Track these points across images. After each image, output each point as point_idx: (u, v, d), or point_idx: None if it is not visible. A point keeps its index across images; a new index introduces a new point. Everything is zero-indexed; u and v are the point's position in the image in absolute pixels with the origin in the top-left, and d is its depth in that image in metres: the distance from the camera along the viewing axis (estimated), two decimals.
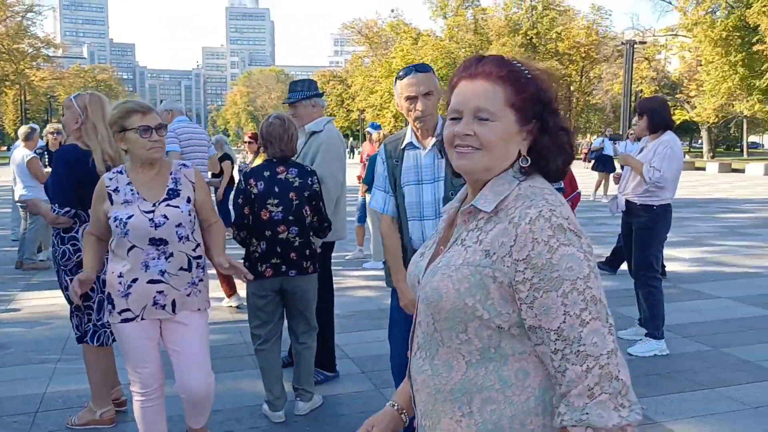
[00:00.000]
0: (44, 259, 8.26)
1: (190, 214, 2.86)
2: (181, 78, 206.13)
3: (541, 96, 1.34)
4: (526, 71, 1.35)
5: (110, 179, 2.87)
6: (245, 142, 9.31)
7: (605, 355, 1.18)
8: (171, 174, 2.90)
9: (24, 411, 3.86)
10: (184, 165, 2.98)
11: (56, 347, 5.03)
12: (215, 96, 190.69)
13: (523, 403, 1.26)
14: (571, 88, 48.94)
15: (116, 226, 2.78)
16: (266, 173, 3.57)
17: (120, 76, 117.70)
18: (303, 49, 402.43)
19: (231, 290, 6.22)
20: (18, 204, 8.05)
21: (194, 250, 2.90)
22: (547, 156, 1.34)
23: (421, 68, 2.86)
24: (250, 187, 3.54)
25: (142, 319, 2.85)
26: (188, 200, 2.88)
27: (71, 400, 3.99)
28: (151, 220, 2.77)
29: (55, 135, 8.88)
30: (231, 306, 6.19)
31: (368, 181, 7.69)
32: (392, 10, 55.69)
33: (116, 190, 2.84)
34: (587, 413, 1.17)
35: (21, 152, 7.92)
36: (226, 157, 10.76)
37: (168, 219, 2.79)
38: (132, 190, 2.84)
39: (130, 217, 2.76)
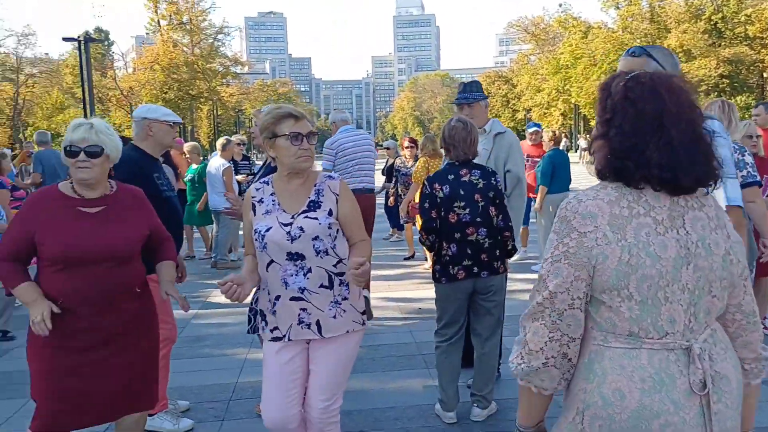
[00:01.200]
0: (235, 260, 9.03)
1: (330, 228, 2.66)
2: (353, 87, 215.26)
3: (608, 104, 1.55)
4: (614, 82, 1.57)
5: (257, 189, 2.78)
6: (405, 147, 9.52)
7: (524, 315, 1.55)
8: (315, 185, 2.74)
9: (219, 399, 4.25)
10: (330, 176, 2.79)
11: (246, 341, 5.47)
12: (383, 103, 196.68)
13: None
14: (765, 75, 44.14)
15: (256, 239, 2.68)
16: (450, 176, 3.62)
17: (298, 89, 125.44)
18: (468, 51, 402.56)
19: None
20: (212, 210, 8.80)
21: (335, 265, 2.67)
22: (609, 161, 1.54)
23: (637, 51, 2.55)
24: (435, 191, 3.60)
25: (289, 339, 2.69)
26: (329, 213, 2.68)
27: (259, 390, 4.30)
28: (288, 233, 2.62)
29: (240, 146, 9.72)
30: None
31: (546, 182, 7.52)
32: (560, 5, 53.76)
33: (261, 200, 2.75)
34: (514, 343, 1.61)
35: (217, 161, 8.66)
36: None
37: (304, 231, 2.61)
38: (274, 200, 2.72)
39: (268, 230, 2.64)
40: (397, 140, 9.63)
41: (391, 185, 9.87)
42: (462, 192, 3.57)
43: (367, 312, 2.90)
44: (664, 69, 2.44)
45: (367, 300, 2.87)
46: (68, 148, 2.64)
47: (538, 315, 1.51)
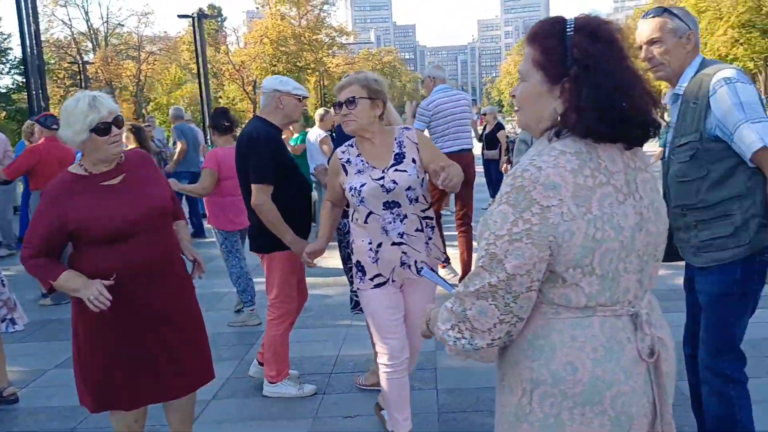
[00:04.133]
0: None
1: (418, 176, 2.89)
2: (458, 53, 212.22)
3: (574, 54, 1.34)
4: (568, 29, 1.36)
5: (342, 152, 3.02)
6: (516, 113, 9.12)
7: (467, 291, 1.38)
8: (396, 139, 2.96)
9: (321, 371, 4.26)
10: (406, 128, 3.03)
11: (347, 313, 5.45)
12: (490, 68, 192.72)
13: None
14: None
15: (352, 195, 2.91)
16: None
17: (403, 57, 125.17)
18: (581, 7, 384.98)
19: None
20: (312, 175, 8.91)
21: (423, 211, 2.95)
22: (581, 115, 1.33)
23: (657, 11, 2.48)
24: None
25: (393, 281, 2.95)
26: (413, 161, 2.91)
27: (360, 364, 4.29)
28: (382, 185, 2.85)
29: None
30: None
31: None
32: None
33: (348, 161, 2.97)
34: (440, 312, 1.46)
35: (316, 132, 8.80)
36: (500, 127, 10.71)
37: (397, 184, 2.85)
38: (362, 160, 2.95)
39: (363, 185, 2.87)
40: (503, 106, 9.24)
41: (503, 154, 9.51)
42: None
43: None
44: (687, 24, 2.41)
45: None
46: (100, 126, 2.48)
47: (488, 295, 1.35)
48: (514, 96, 1.53)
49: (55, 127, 6.25)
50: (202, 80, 24.29)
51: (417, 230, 2.92)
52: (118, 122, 2.54)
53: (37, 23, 13.34)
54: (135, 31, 49.52)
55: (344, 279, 6.50)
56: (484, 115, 11.08)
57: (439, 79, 6.02)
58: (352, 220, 3.04)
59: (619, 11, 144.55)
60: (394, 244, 2.90)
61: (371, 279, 2.96)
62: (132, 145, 6.30)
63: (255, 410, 3.76)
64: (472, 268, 1.42)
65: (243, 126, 5.33)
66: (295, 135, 9.38)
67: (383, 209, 2.88)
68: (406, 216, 2.89)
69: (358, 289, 3.06)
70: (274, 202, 3.52)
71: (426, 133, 5.74)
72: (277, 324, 3.78)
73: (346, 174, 2.96)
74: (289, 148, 9.38)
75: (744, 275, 2.38)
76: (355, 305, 3.87)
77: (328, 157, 8.51)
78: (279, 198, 3.54)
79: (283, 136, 4.15)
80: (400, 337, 3.00)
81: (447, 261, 6.21)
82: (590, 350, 1.37)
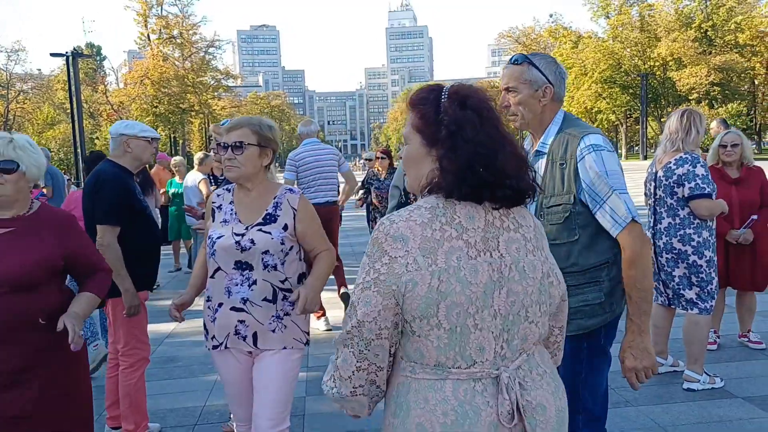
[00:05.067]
0: None
1: (282, 243, 2.63)
2: (346, 99, 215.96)
3: (443, 120, 1.43)
4: (443, 96, 1.46)
5: (218, 195, 2.81)
6: (377, 158, 9.31)
7: (338, 342, 1.45)
8: (275, 198, 2.72)
9: (184, 423, 4.08)
10: (290, 190, 2.76)
11: None
12: (377, 114, 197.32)
13: None
14: (756, 82, 44.35)
15: (208, 246, 2.69)
16: None
17: (292, 101, 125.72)
18: (461, 61, 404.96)
19: (321, 311, 6.17)
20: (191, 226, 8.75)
21: (282, 282, 2.65)
22: (444, 176, 1.41)
23: (519, 59, 2.39)
24: (408, 199, 3.72)
25: (226, 347, 2.68)
26: (285, 227, 2.66)
27: (226, 414, 4.16)
28: (238, 242, 2.60)
29: (220, 162, 9.67)
30: (318, 329, 6.04)
31: None
32: (550, 15, 54.25)
33: (220, 207, 2.76)
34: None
35: (193, 175, 8.63)
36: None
37: (255, 244, 2.59)
38: (232, 209, 2.73)
39: (219, 237, 2.64)
40: (390, 150, 9.40)
41: (360, 194, 9.63)
42: None
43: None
44: (545, 77, 2.33)
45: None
46: None
47: (348, 342, 1.43)
48: (401, 158, 1.61)
49: None
50: (76, 120, 23.19)
51: (265, 300, 2.63)
52: (6, 169, 2.41)
53: None
54: (4, 68, 46.59)
55: None
56: (369, 160, 11.28)
57: (305, 135, 6.29)
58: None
59: (496, 64, 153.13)
60: (233, 308, 2.64)
61: (211, 339, 2.72)
62: None
63: None
64: None
65: None
66: (178, 179, 9.22)
67: (233, 268, 2.63)
68: (255, 282, 2.62)
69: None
70: (120, 245, 3.45)
71: (294, 184, 5.91)
72: (130, 372, 3.61)
73: (213, 220, 2.75)
74: (161, 196, 9.20)
75: (606, 340, 2.38)
76: None
77: (205, 197, 8.39)
78: (124, 242, 3.48)
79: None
80: (246, 406, 2.75)
81: (323, 312, 6.25)
82: (440, 414, 1.38)
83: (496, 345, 1.41)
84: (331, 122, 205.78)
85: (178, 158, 9.69)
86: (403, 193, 3.88)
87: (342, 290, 6.36)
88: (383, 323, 1.39)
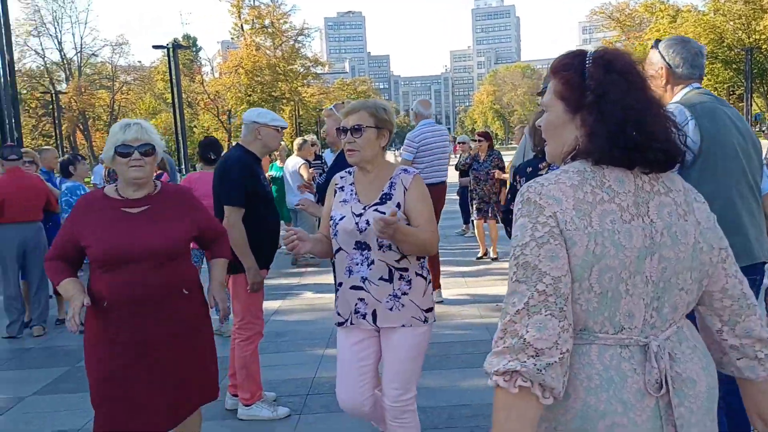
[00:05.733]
0: (314, 256, 9.21)
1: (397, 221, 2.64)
2: (431, 83, 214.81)
3: (590, 84, 1.40)
4: (587, 61, 1.43)
5: (341, 177, 2.91)
6: (476, 140, 9.29)
7: (512, 314, 1.29)
8: (391, 178, 2.79)
9: (297, 393, 4.36)
10: (405, 170, 2.82)
11: (323, 337, 5.58)
12: (463, 97, 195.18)
13: None
14: None
15: (331, 226, 2.79)
16: (529, 169, 3.65)
17: (377, 87, 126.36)
18: (549, 40, 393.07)
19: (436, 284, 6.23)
20: (292, 209, 9.11)
21: (397, 261, 2.71)
22: (593, 142, 1.39)
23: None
24: (516, 182, 3.70)
25: (351, 324, 2.80)
26: (398, 206, 2.72)
27: (335, 387, 4.39)
28: (357, 224, 2.70)
29: (314, 146, 10.02)
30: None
31: None
32: None
33: (342, 188, 2.87)
34: (486, 361, 1.32)
35: (294, 160, 9.01)
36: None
37: (369, 225, 2.65)
38: (353, 190, 2.83)
39: (341, 218, 2.75)
40: (489, 133, 9.37)
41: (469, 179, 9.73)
42: None
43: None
44: (666, 62, 2.61)
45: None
46: (120, 148, 2.61)
47: (539, 306, 1.28)
48: (539, 127, 1.55)
49: (12, 157, 6.23)
50: (177, 110, 24.37)
51: (382, 279, 2.70)
52: (144, 150, 2.63)
53: (11, 53, 13.37)
54: (109, 61, 49.44)
55: (321, 304, 6.68)
56: (460, 143, 11.33)
57: (423, 116, 6.35)
58: None
59: (587, 42, 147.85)
60: (353, 287, 2.75)
61: (337, 314, 2.87)
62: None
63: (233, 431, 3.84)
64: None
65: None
66: (279, 164, 9.65)
67: (354, 248, 2.73)
68: (373, 261, 2.70)
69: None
70: (244, 225, 3.71)
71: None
72: (245, 345, 3.89)
73: (335, 201, 2.87)
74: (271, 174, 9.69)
75: None
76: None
77: (307, 181, 8.73)
78: (248, 223, 3.73)
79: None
80: (354, 391, 2.82)
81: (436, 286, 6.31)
82: (584, 378, 1.34)
83: (645, 312, 1.37)
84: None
85: (282, 144, 10.13)
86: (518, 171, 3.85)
87: (435, 293, 6.12)
88: (569, 276, 1.32)
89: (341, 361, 2.86)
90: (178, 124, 24.15)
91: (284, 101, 46.93)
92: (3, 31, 12.83)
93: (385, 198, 2.75)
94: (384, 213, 2.64)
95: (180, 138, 23.79)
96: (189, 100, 43.88)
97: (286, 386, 4.48)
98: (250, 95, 43.10)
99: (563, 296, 1.29)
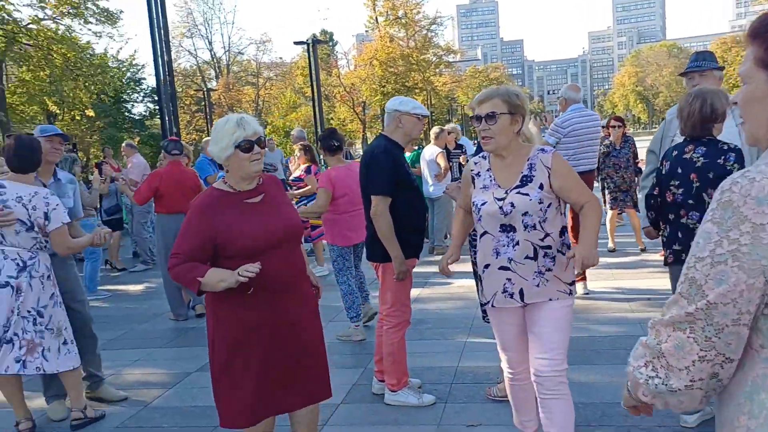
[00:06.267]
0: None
1: (540, 202, 2.79)
2: (567, 66, 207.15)
3: None
4: None
5: (475, 163, 3.03)
6: (609, 127, 8.73)
7: (663, 324, 1.19)
8: (528, 159, 2.87)
9: (441, 381, 4.36)
10: (542, 150, 2.89)
11: (464, 326, 5.55)
12: (601, 80, 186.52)
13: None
14: None
15: (474, 212, 2.94)
16: (674, 153, 3.40)
17: (510, 73, 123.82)
18: (698, 16, 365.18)
19: (582, 275, 5.97)
20: (429, 198, 9.14)
21: (542, 239, 2.83)
22: None
23: None
24: (661, 166, 3.47)
25: (493, 306, 2.96)
26: (540, 187, 2.81)
27: (480, 376, 4.36)
28: (501, 207, 2.81)
29: (452, 134, 9.92)
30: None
31: None
32: None
33: (478, 174, 2.98)
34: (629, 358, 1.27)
35: (431, 149, 9.03)
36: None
37: (515, 207, 2.79)
38: (491, 175, 2.93)
39: (484, 203, 2.86)
40: (622, 118, 8.85)
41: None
42: (679, 170, 3.32)
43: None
44: None
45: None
46: (243, 144, 2.65)
47: (685, 326, 1.16)
48: (735, 103, 1.31)
49: (175, 152, 6.67)
50: (316, 103, 25.26)
51: (528, 258, 2.83)
52: (260, 142, 2.71)
53: (169, 54, 14.39)
54: (254, 58, 52.24)
55: (461, 292, 6.65)
56: (603, 127, 10.84)
57: (573, 100, 6.09)
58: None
59: (742, 16, 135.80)
60: (501, 268, 2.88)
61: (482, 296, 3.08)
62: (304, 163, 7.71)
63: (380, 416, 3.91)
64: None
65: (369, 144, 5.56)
66: (407, 153, 9.67)
67: (499, 231, 2.86)
68: (518, 242, 2.82)
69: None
70: (390, 214, 3.74)
71: None
72: (393, 332, 3.94)
73: (474, 187, 3.00)
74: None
75: None
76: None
77: (443, 171, 8.75)
78: (395, 211, 3.76)
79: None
80: (514, 351, 3.05)
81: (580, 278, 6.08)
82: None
83: None
84: (550, 92, 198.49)
85: None
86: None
87: (580, 285, 6.01)
88: (745, 306, 1.12)
89: (502, 333, 3.05)
90: (317, 116, 25.02)
91: (417, 91, 47.19)
92: (162, 34, 13.87)
93: (526, 180, 2.83)
94: (527, 195, 2.77)
95: (319, 130, 24.60)
96: (326, 93, 45.36)
97: (430, 374, 4.49)
98: (383, 86, 43.74)
99: (716, 325, 1.14)
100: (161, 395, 4.54)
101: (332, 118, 48.39)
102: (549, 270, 2.84)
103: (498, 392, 3.94)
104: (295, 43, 27.76)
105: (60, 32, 24.19)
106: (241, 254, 2.64)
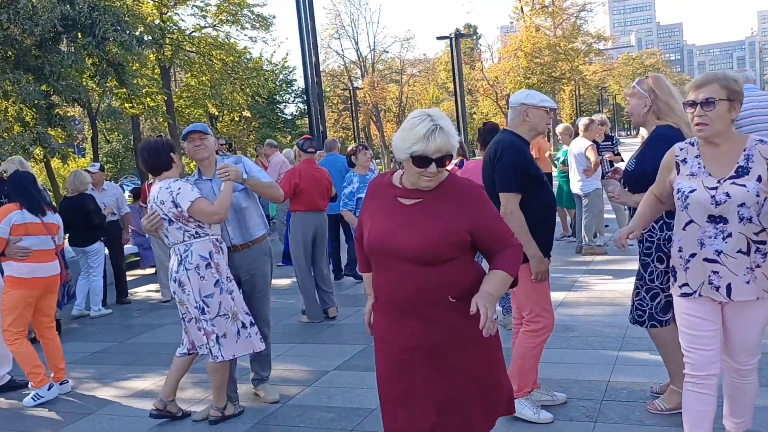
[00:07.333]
0: (601, 245, 8.60)
1: (758, 195, 2.64)
2: (733, 50, 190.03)
3: None
4: None
5: (681, 149, 2.88)
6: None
7: None
8: (745, 150, 2.71)
9: (590, 397, 3.99)
10: (761, 141, 2.72)
11: (617, 335, 5.09)
12: None
13: None
14: None
15: (678, 198, 2.81)
16: None
17: (667, 59, 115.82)
18: None
19: None
20: (577, 195, 8.68)
21: (756, 234, 2.69)
22: None
23: None
24: None
25: (699, 295, 2.80)
26: (758, 179, 2.65)
27: (635, 393, 3.94)
28: (713, 197, 2.68)
29: (603, 126, 9.30)
30: None
31: None
32: None
33: (684, 161, 2.84)
34: None
35: (579, 142, 8.50)
36: None
37: (730, 197, 2.65)
38: (699, 163, 2.79)
39: (692, 191, 2.74)
40: None
41: None
42: None
43: None
44: None
45: None
46: (418, 157, 2.33)
47: None
48: None
49: (311, 150, 6.73)
50: (458, 98, 25.03)
51: (740, 252, 2.69)
52: (442, 161, 2.35)
53: (317, 56, 14.86)
54: (398, 56, 52.90)
55: (612, 297, 6.16)
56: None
57: (744, 80, 5.45)
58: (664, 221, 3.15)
59: None
60: (706, 260, 2.75)
61: (680, 286, 2.87)
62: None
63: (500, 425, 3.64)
64: None
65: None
66: (565, 147, 9.25)
67: (707, 222, 2.73)
68: (730, 234, 2.69)
69: (670, 293, 3.02)
70: (522, 212, 3.53)
71: None
72: (532, 337, 3.65)
73: (678, 173, 2.85)
74: (559, 166, 9.44)
75: None
76: (635, 317, 3.61)
77: (593, 165, 8.21)
78: (525, 209, 3.54)
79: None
80: (708, 351, 2.81)
81: None
82: None
83: None
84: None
85: (564, 125, 9.68)
86: None
87: None
88: None
89: (693, 328, 2.86)
90: (459, 111, 24.78)
91: (564, 81, 45.44)
92: (310, 37, 14.32)
93: (742, 171, 2.69)
94: (744, 186, 2.64)
95: (461, 125, 24.36)
96: (469, 87, 44.95)
97: (576, 388, 4.14)
98: (528, 78, 42.50)
99: None
100: (299, 393, 4.57)
101: (475, 113, 47.93)
102: (758, 266, 2.72)
103: (667, 404, 3.53)
104: (438, 38, 27.63)
105: (219, 39, 25.92)
106: (369, 252, 2.50)
